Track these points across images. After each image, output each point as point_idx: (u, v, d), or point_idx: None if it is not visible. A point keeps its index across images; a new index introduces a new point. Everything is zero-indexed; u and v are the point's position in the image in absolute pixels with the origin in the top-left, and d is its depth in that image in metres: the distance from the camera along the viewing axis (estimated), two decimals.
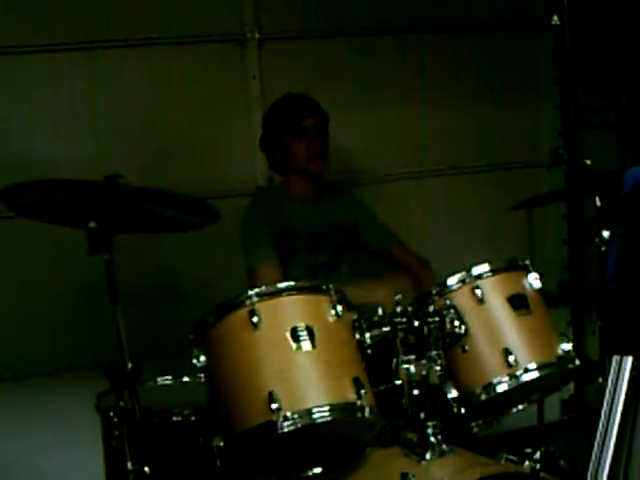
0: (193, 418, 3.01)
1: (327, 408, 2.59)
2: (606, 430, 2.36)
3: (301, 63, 4.69)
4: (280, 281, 2.84)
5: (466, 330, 2.89)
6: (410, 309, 2.87)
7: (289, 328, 2.67)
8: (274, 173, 4.21)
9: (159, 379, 3.38)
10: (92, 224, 2.79)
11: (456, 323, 2.87)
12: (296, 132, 3.93)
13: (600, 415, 2.42)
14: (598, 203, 3.86)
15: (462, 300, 2.93)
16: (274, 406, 2.55)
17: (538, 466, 3.25)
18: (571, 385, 5.08)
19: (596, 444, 2.41)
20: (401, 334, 2.82)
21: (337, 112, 4.06)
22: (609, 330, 3.43)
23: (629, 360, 2.37)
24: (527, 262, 3.08)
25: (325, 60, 4.72)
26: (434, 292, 2.95)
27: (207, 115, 4.54)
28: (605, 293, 2.48)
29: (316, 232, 3.97)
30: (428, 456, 2.76)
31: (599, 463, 2.37)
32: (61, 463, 4.32)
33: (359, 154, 4.77)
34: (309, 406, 2.58)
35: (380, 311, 2.88)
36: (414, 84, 4.86)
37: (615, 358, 2.39)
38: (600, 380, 3.94)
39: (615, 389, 2.37)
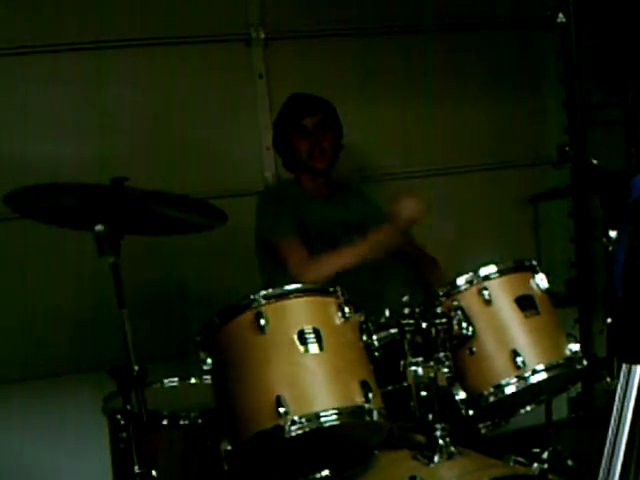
0: (200, 421, 2.99)
1: (335, 412, 2.58)
2: (615, 439, 2.36)
3: (307, 62, 4.68)
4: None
5: (474, 332, 2.89)
6: (417, 310, 2.86)
7: (296, 331, 2.66)
8: (282, 173, 4.21)
9: (166, 381, 3.39)
10: (99, 227, 2.78)
11: (464, 325, 2.87)
12: (298, 131, 3.95)
13: (609, 423, 2.41)
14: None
15: (470, 301, 2.93)
16: (282, 410, 2.54)
17: (546, 466, 3.26)
18: (579, 383, 5.07)
19: (604, 457, 2.40)
20: (409, 336, 2.81)
21: (343, 111, 4.05)
22: (617, 336, 3.42)
23: (638, 369, 2.36)
24: (534, 263, 3.08)
25: (331, 59, 4.71)
26: (441, 293, 2.95)
27: (213, 115, 4.53)
28: (613, 298, 2.47)
29: (326, 229, 3.93)
30: (436, 458, 2.75)
31: (608, 474, 2.36)
32: (68, 466, 4.33)
33: (364, 153, 4.75)
34: (317, 410, 2.58)
35: (387, 313, 2.88)
36: (420, 83, 4.84)
37: (624, 367, 2.38)
38: (608, 379, 3.93)
39: (624, 398, 2.36)
